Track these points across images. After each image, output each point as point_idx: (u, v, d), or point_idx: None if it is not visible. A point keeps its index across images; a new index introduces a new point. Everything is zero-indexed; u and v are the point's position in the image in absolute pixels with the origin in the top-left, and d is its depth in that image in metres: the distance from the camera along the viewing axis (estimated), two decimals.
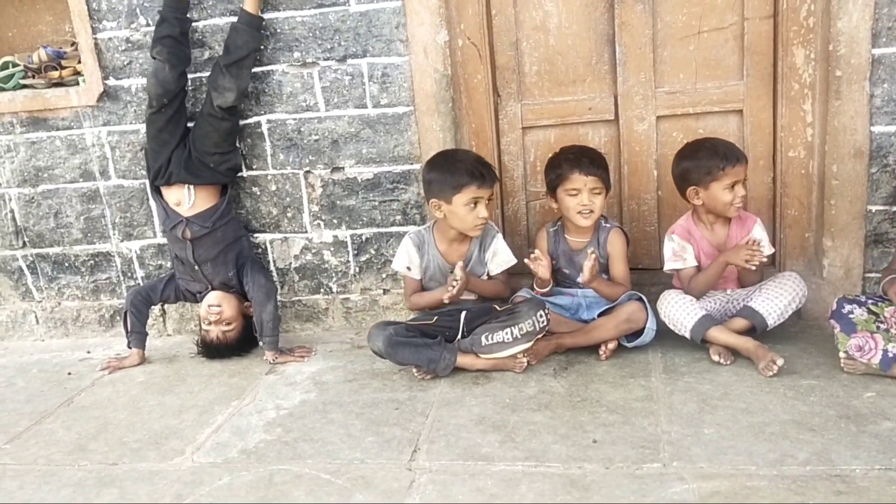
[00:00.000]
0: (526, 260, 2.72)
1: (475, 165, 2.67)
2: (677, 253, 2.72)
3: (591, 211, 2.72)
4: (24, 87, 3.21)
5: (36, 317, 3.44)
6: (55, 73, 3.17)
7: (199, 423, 2.54)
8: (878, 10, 2.55)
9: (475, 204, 2.66)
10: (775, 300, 2.58)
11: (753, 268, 2.55)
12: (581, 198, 2.71)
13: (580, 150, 2.78)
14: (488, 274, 2.81)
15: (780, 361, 2.42)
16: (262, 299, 2.97)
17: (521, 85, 3.04)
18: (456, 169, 2.66)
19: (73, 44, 3.25)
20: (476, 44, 2.95)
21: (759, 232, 2.67)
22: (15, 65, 3.23)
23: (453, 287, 2.65)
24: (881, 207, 2.71)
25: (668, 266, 2.75)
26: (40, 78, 3.18)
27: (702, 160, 2.61)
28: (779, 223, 2.92)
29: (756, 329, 2.59)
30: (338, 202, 3.11)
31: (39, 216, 3.31)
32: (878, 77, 2.60)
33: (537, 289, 2.81)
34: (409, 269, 2.83)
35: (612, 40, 2.91)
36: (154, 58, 2.88)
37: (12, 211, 3.32)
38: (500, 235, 2.83)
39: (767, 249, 2.63)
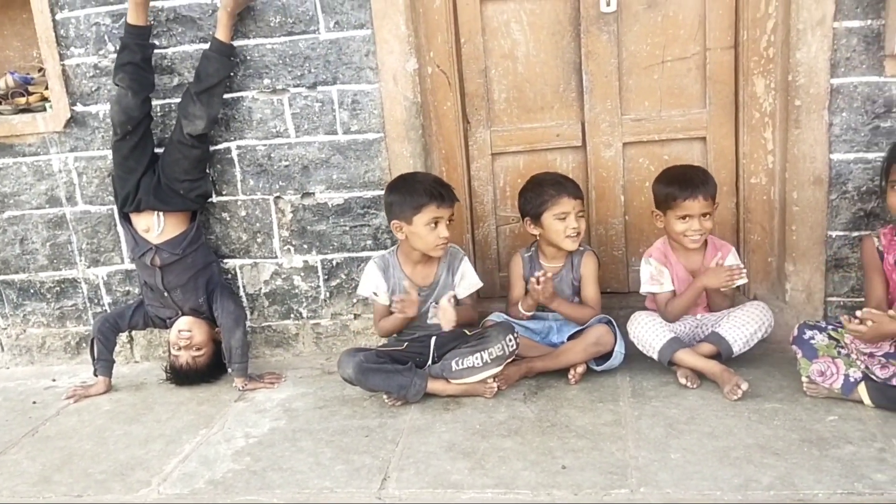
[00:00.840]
0: (532, 279, 2.72)
1: (434, 186, 2.69)
2: (654, 277, 2.75)
3: (579, 234, 2.76)
4: None
5: (1, 344, 3.39)
6: (22, 99, 3.15)
7: (166, 453, 2.51)
8: (836, 40, 2.62)
9: (436, 224, 2.67)
10: (742, 328, 2.62)
11: (730, 288, 2.59)
12: (569, 221, 2.73)
13: (561, 176, 2.82)
14: (456, 298, 2.82)
15: (744, 385, 2.46)
16: (231, 325, 2.95)
17: (491, 112, 3.08)
18: (415, 189, 2.68)
19: (40, 69, 3.23)
20: (445, 71, 2.98)
21: (732, 260, 2.72)
22: None
23: (400, 305, 2.67)
24: (841, 233, 2.78)
25: (645, 289, 2.79)
26: (7, 104, 3.15)
27: (662, 186, 2.68)
28: (742, 248, 2.98)
29: (722, 355, 2.63)
30: (308, 227, 3.11)
31: (5, 242, 3.26)
32: (837, 106, 2.68)
33: (524, 312, 2.81)
34: (375, 294, 2.83)
35: (579, 68, 2.96)
36: (117, 84, 2.87)
37: None
38: (466, 259, 2.85)
39: (742, 280, 2.68)
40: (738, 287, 2.91)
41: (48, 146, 3.13)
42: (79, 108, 3.07)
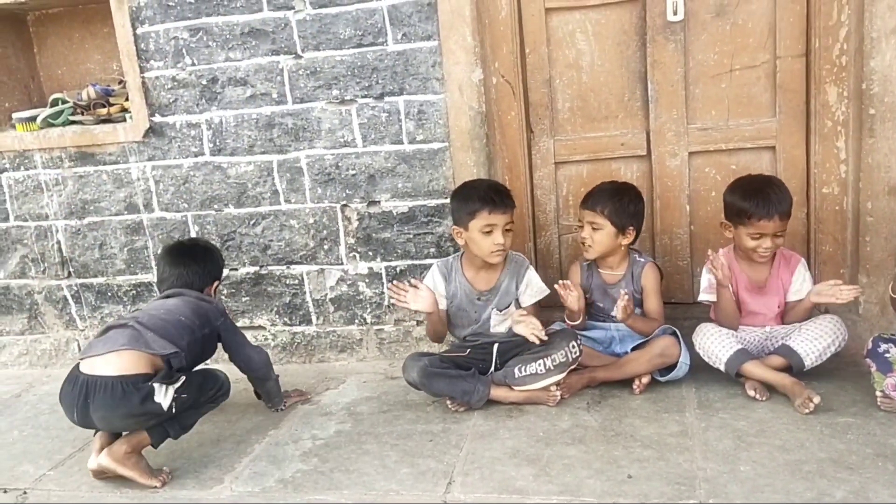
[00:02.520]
0: (556, 286, 2.74)
1: (487, 191, 2.71)
2: (713, 284, 2.72)
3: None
4: (73, 123, 3.33)
5: (78, 345, 3.53)
6: (103, 110, 3.29)
7: (237, 452, 2.59)
8: None
9: (490, 230, 2.69)
10: (815, 341, 2.57)
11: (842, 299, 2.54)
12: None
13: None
14: (518, 304, 2.83)
15: (816, 399, 2.41)
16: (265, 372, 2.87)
17: (554, 121, 3.09)
18: (469, 196, 2.72)
19: (120, 82, 3.37)
20: (510, 81, 3.01)
21: (802, 272, 2.67)
22: (64, 101, 3.36)
23: (396, 292, 2.71)
24: None
25: (702, 297, 2.76)
26: (89, 114, 3.31)
27: (737, 200, 2.63)
28: (813, 259, 2.92)
29: (793, 368, 2.58)
30: (373, 235, 3.17)
31: (85, 247, 3.41)
32: None
33: (568, 322, 2.82)
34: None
35: (645, 78, 2.96)
36: None
37: (59, 242, 3.43)
38: (531, 268, 2.86)
39: (804, 293, 2.64)
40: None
41: (127, 155, 3.27)
42: (157, 118, 3.20)
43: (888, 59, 2.59)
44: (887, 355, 2.39)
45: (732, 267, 2.73)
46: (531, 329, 2.63)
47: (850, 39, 2.71)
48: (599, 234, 2.76)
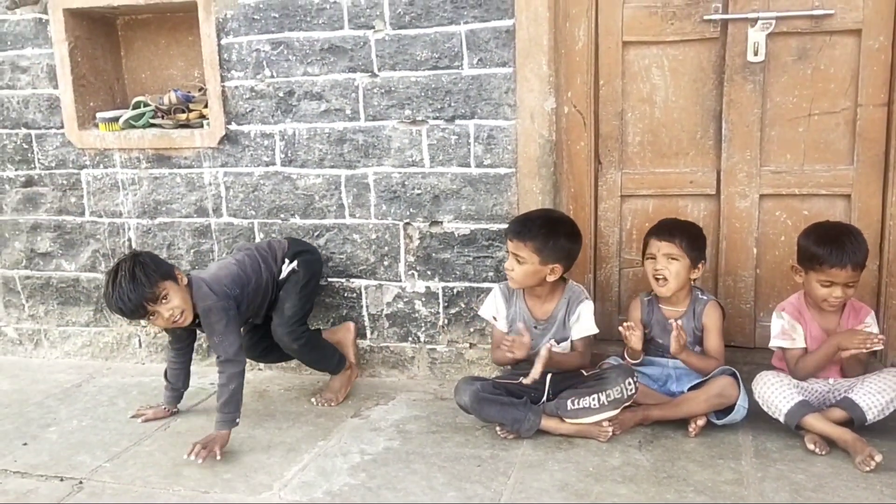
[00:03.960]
0: (620, 327, 2.72)
1: (521, 217, 2.80)
2: (786, 331, 2.66)
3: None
4: (153, 125, 3.44)
5: (139, 340, 3.63)
6: (183, 116, 3.40)
7: (287, 461, 2.62)
8: None
9: (509, 254, 2.75)
10: (878, 395, 2.50)
11: (865, 351, 2.48)
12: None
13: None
14: (571, 339, 2.82)
15: (878, 457, 2.34)
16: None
17: (623, 154, 3.08)
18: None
19: (201, 89, 3.48)
20: (582, 112, 3.01)
21: (871, 323, 2.60)
22: (146, 105, 3.48)
23: (509, 345, 2.69)
24: None
25: (775, 343, 2.70)
26: (168, 119, 3.41)
27: (811, 245, 2.57)
28: (883, 313, 2.84)
29: (854, 422, 2.51)
30: (433, 254, 3.19)
31: (154, 246, 3.51)
32: None
33: (628, 359, 2.79)
34: (495, 318, 2.87)
35: (719, 116, 2.93)
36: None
37: (129, 239, 3.54)
38: (588, 302, 2.82)
39: (878, 346, 2.56)
40: (874, 353, 2.78)
41: (202, 160, 3.36)
42: (233, 126, 3.29)
43: None
44: None
45: (803, 313, 2.67)
46: (537, 368, 2.66)
47: None
48: (675, 266, 2.73)
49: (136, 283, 2.58)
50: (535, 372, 2.65)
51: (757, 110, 2.88)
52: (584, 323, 2.80)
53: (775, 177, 2.92)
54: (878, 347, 2.54)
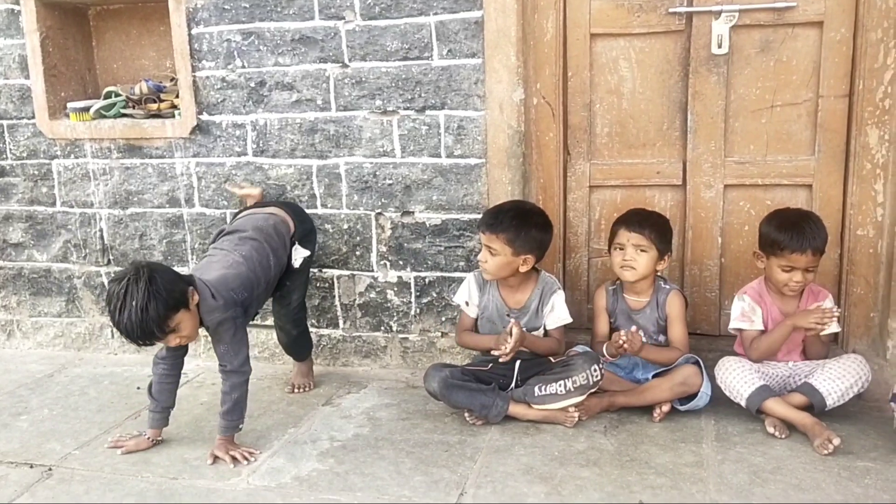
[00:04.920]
0: (622, 339, 2.66)
1: (494, 209, 2.83)
2: (746, 313, 2.72)
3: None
4: (124, 115, 3.44)
5: (111, 331, 3.62)
6: (154, 106, 3.40)
7: (256, 447, 2.63)
8: None
9: (482, 246, 2.78)
10: (837, 381, 2.55)
11: (821, 331, 2.54)
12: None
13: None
14: (544, 328, 2.86)
15: (836, 440, 2.39)
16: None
17: (592, 145, 3.12)
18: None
19: (172, 79, 3.48)
20: (550, 103, 3.05)
21: (828, 304, 2.67)
22: (118, 95, 3.47)
23: (505, 347, 2.65)
24: None
25: (734, 325, 2.75)
26: (140, 109, 3.41)
27: (772, 230, 2.63)
28: (844, 301, 2.90)
29: (814, 407, 2.56)
30: (405, 245, 3.22)
31: (126, 237, 3.51)
32: None
33: (607, 356, 2.79)
34: (467, 303, 2.91)
35: (685, 108, 2.98)
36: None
37: (101, 230, 3.54)
38: (560, 292, 2.86)
39: (835, 327, 2.62)
40: (835, 339, 2.84)
41: (173, 150, 3.36)
42: (204, 116, 3.29)
43: None
44: None
45: (763, 297, 2.73)
46: (509, 347, 2.65)
47: (894, 83, 2.70)
48: (644, 258, 2.77)
49: (146, 317, 2.28)
50: (508, 348, 2.66)
51: (721, 102, 2.92)
52: (558, 312, 2.84)
53: (739, 167, 2.97)
54: (835, 328, 2.60)
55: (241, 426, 2.61)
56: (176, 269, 3.42)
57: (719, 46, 2.87)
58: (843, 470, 2.33)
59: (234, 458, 2.52)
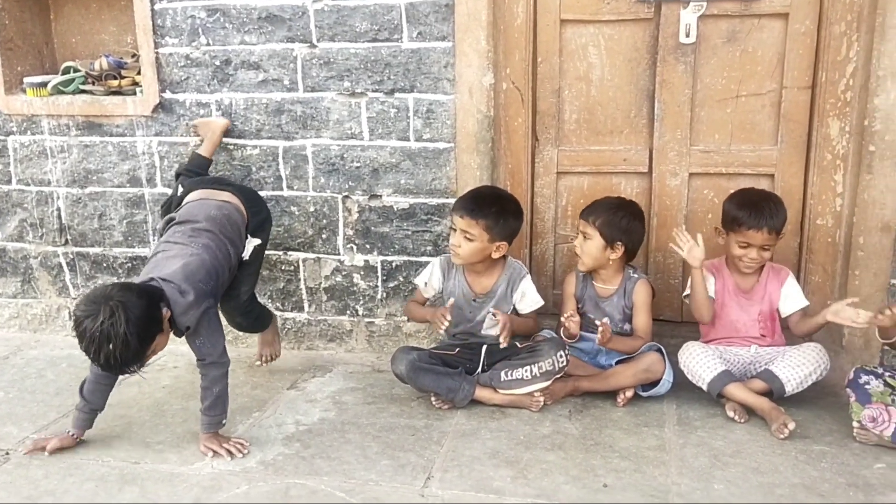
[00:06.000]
0: (563, 318, 2.74)
1: (471, 193, 2.80)
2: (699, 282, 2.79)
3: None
4: (83, 92, 3.34)
5: (69, 312, 3.54)
6: (114, 82, 3.31)
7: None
8: None
9: (454, 229, 2.76)
10: (797, 368, 2.62)
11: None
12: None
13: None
14: (516, 312, 2.87)
15: (791, 425, 2.46)
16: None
17: (560, 131, 3.13)
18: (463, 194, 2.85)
19: (133, 55, 3.39)
20: (520, 88, 3.05)
21: (793, 283, 2.73)
22: (76, 70, 3.37)
23: (441, 323, 2.70)
24: None
25: (688, 291, 2.82)
26: (100, 85, 3.32)
27: (732, 207, 2.70)
28: (803, 288, 2.95)
29: (774, 393, 2.63)
30: (372, 228, 3.20)
31: (84, 216, 3.43)
32: None
33: (564, 338, 2.83)
34: (425, 284, 2.91)
35: (652, 96, 3.00)
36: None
37: (59, 209, 3.44)
38: (528, 276, 2.88)
39: (802, 302, 2.68)
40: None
41: (135, 129, 3.28)
42: (167, 94, 3.22)
43: (892, 98, 2.64)
44: (867, 387, 2.43)
45: (721, 271, 2.80)
46: (503, 335, 2.68)
47: (856, 76, 2.76)
48: (588, 245, 2.80)
49: (127, 355, 2.22)
50: (503, 339, 2.69)
51: (688, 91, 2.95)
52: (530, 297, 2.87)
53: (704, 156, 3.01)
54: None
55: (224, 421, 2.53)
56: (136, 249, 3.39)
57: (687, 35, 2.89)
58: (800, 454, 2.39)
59: (229, 452, 2.45)
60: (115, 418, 2.71)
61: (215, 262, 2.54)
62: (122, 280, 2.39)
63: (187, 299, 2.36)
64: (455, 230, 2.76)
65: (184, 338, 2.48)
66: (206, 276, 2.48)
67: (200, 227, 2.60)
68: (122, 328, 2.17)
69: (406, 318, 3.20)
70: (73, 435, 2.52)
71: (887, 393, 2.41)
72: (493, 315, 2.73)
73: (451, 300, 2.78)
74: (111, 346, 2.17)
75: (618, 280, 2.88)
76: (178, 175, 3.05)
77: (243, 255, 2.77)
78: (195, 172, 3.01)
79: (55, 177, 3.41)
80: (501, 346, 2.71)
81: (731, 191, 2.96)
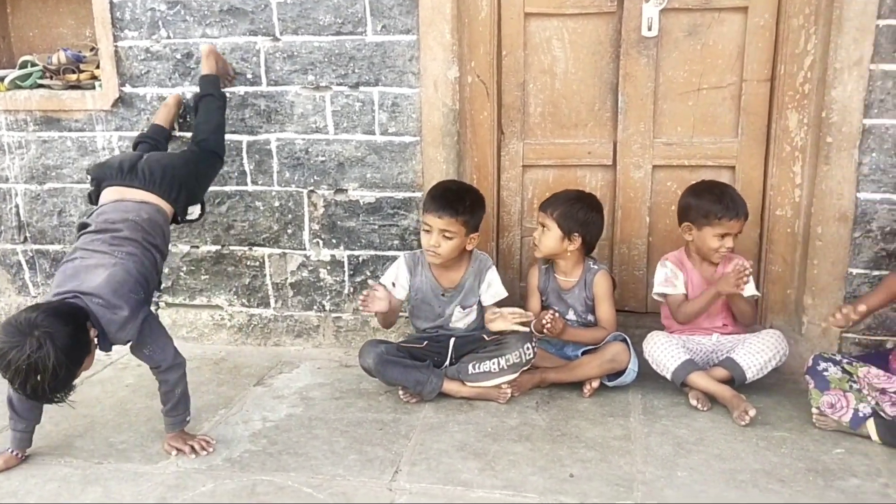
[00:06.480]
0: (545, 321, 2.71)
1: (439, 192, 2.78)
2: (669, 279, 2.82)
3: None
4: (41, 86, 3.28)
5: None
6: (73, 76, 3.25)
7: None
8: (871, 82, 2.67)
9: (429, 230, 2.74)
10: (757, 355, 2.67)
11: (743, 290, 2.63)
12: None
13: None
14: (480, 304, 2.88)
15: (752, 412, 2.50)
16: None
17: (525, 125, 3.14)
18: (429, 192, 2.82)
19: (92, 49, 3.33)
20: (485, 82, 3.05)
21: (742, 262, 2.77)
22: (34, 64, 3.30)
23: (362, 300, 2.69)
24: (861, 271, 2.81)
25: (658, 290, 2.84)
26: (58, 79, 3.26)
27: (704, 202, 2.72)
28: (763, 278, 3.02)
29: (735, 381, 2.67)
30: (338, 223, 3.18)
31: (43, 213, 3.36)
32: (868, 146, 2.72)
33: (535, 332, 2.80)
34: (393, 284, 2.89)
35: (616, 89, 3.02)
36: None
37: (17, 206, 3.37)
38: (493, 268, 2.89)
39: (752, 289, 2.72)
40: (756, 316, 2.95)
41: (94, 123, 3.23)
42: (127, 88, 3.17)
43: (849, 91, 2.69)
44: (826, 374, 2.49)
45: (684, 263, 2.84)
46: (509, 321, 2.66)
47: (814, 68, 2.81)
48: (545, 236, 2.83)
49: (56, 385, 2.12)
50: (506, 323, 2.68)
51: (650, 84, 2.98)
52: (495, 288, 2.87)
53: (667, 148, 3.04)
54: (753, 290, 2.70)
55: (188, 419, 2.49)
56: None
57: (649, 29, 2.92)
58: (760, 440, 2.44)
59: (193, 449, 2.41)
60: (77, 418, 2.67)
61: (142, 270, 2.41)
62: (44, 302, 2.24)
63: (121, 315, 2.26)
64: (430, 230, 2.73)
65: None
66: (136, 285, 2.35)
67: (122, 236, 2.44)
68: (52, 360, 2.06)
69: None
70: (15, 454, 2.41)
71: (845, 379, 2.47)
72: (462, 311, 2.72)
73: (371, 282, 2.74)
74: (39, 377, 2.07)
75: (578, 272, 2.91)
76: (136, 144, 2.98)
77: (189, 216, 2.77)
78: (151, 139, 2.96)
79: (13, 173, 3.34)
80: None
81: (694, 182, 3.01)
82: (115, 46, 3.13)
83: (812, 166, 2.84)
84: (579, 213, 2.80)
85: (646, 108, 3.01)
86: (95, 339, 2.24)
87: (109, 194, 2.61)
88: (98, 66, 3.23)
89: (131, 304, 2.29)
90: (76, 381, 2.21)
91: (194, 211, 2.83)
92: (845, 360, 2.50)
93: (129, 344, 2.37)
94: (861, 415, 2.41)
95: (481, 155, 3.14)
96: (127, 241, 2.43)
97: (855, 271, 2.82)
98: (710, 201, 2.71)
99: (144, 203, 2.58)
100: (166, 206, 2.65)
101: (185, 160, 2.80)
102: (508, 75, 3.10)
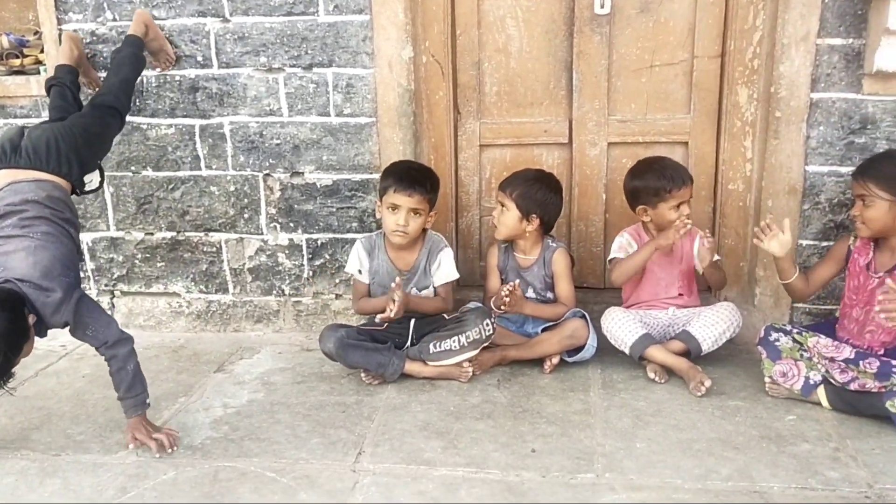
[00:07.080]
0: (503, 293, 2.73)
1: (403, 171, 2.77)
2: (623, 247, 2.87)
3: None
4: None
5: None
6: (16, 61, 3.16)
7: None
8: (818, 56, 2.72)
9: (395, 209, 2.73)
10: (711, 327, 2.72)
11: (680, 237, 2.70)
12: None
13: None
14: (433, 285, 2.89)
15: (707, 382, 2.56)
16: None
17: (481, 104, 3.14)
18: (388, 172, 2.81)
19: (36, 32, 3.24)
20: (440, 61, 3.04)
21: (698, 241, 2.80)
22: None
23: (391, 311, 2.64)
24: (811, 242, 2.88)
25: (612, 255, 2.90)
26: (1, 65, 3.16)
27: (649, 182, 2.75)
28: (717, 252, 3.07)
29: (691, 353, 2.73)
30: (295, 206, 3.16)
31: None
32: (815, 120, 2.78)
33: (495, 309, 2.83)
34: (360, 272, 2.89)
35: (570, 67, 3.04)
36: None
37: None
38: (448, 249, 2.89)
39: (715, 256, 2.77)
40: (708, 289, 3.01)
41: (40, 109, 3.14)
42: None
43: (797, 65, 2.74)
44: (777, 344, 2.55)
45: (642, 237, 2.88)
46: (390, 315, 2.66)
47: (762, 44, 2.85)
48: (504, 216, 2.84)
49: None
50: (392, 313, 2.66)
51: (604, 61, 3.00)
52: (445, 269, 2.87)
53: (621, 125, 3.07)
54: (688, 224, 2.73)
55: (148, 400, 2.39)
56: None
57: (602, 7, 2.93)
58: (716, 409, 2.50)
59: (159, 444, 2.31)
60: (33, 410, 2.63)
61: (64, 250, 2.33)
62: None
63: (54, 297, 2.20)
64: (397, 209, 2.72)
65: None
66: (63, 267, 2.28)
67: (30, 215, 2.32)
68: None
69: (335, 296, 3.19)
70: None
71: (796, 349, 2.54)
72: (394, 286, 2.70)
73: (397, 279, 2.73)
74: None
75: (537, 250, 2.93)
76: (48, 89, 2.81)
77: (89, 186, 2.65)
78: (58, 81, 2.78)
79: None
80: (378, 320, 2.72)
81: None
82: (60, 29, 3.04)
83: (762, 140, 2.89)
84: (538, 193, 2.82)
85: (600, 86, 3.03)
86: (33, 319, 2.20)
87: (1, 178, 2.43)
88: (42, 51, 3.14)
89: (63, 286, 2.24)
90: (14, 369, 2.18)
91: (93, 179, 2.66)
92: (795, 331, 2.57)
93: (68, 328, 2.31)
94: (812, 382, 2.48)
95: (438, 135, 3.13)
96: (38, 220, 2.32)
97: (805, 243, 2.89)
98: (654, 179, 2.74)
99: (38, 181, 2.42)
100: (61, 181, 2.48)
101: (70, 130, 2.55)
102: (463, 54, 3.09)
